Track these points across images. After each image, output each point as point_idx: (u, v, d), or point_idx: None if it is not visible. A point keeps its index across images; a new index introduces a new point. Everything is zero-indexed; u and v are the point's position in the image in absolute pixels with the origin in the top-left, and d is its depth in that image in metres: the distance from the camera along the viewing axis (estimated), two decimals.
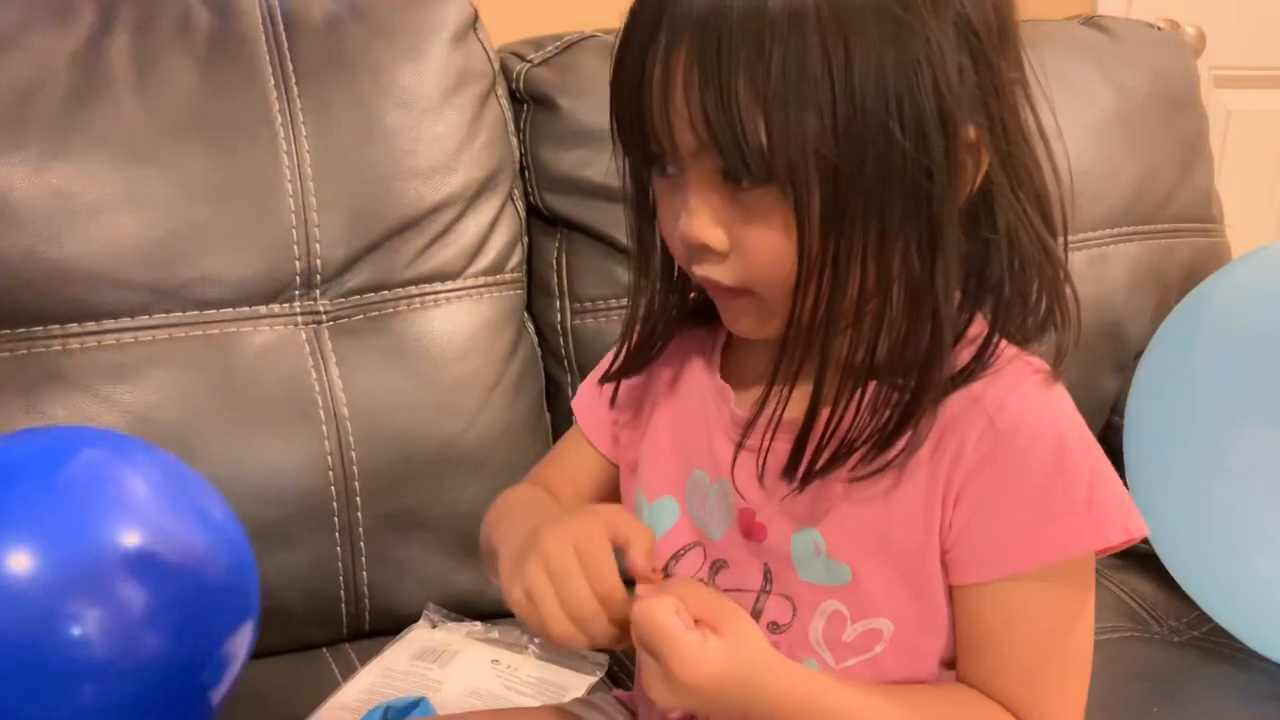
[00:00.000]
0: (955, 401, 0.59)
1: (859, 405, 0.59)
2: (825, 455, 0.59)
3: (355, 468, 0.97)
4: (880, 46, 0.53)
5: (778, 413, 0.60)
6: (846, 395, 0.59)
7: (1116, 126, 1.27)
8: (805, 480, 0.60)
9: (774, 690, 0.57)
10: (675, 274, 0.66)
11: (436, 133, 1.03)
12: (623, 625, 0.56)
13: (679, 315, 0.68)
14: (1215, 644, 0.99)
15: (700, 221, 0.57)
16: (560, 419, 1.11)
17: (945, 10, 0.55)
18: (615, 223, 1.09)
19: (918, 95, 0.54)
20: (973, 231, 0.58)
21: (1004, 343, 0.60)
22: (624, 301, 1.07)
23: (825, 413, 0.59)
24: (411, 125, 1.02)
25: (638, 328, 0.68)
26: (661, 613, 0.54)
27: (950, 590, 0.61)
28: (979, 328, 0.60)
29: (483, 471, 1.02)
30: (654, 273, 0.66)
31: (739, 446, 0.64)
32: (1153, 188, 1.28)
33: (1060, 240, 0.60)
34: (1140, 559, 1.05)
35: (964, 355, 0.59)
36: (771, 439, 0.61)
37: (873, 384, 0.59)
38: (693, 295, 0.68)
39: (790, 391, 0.59)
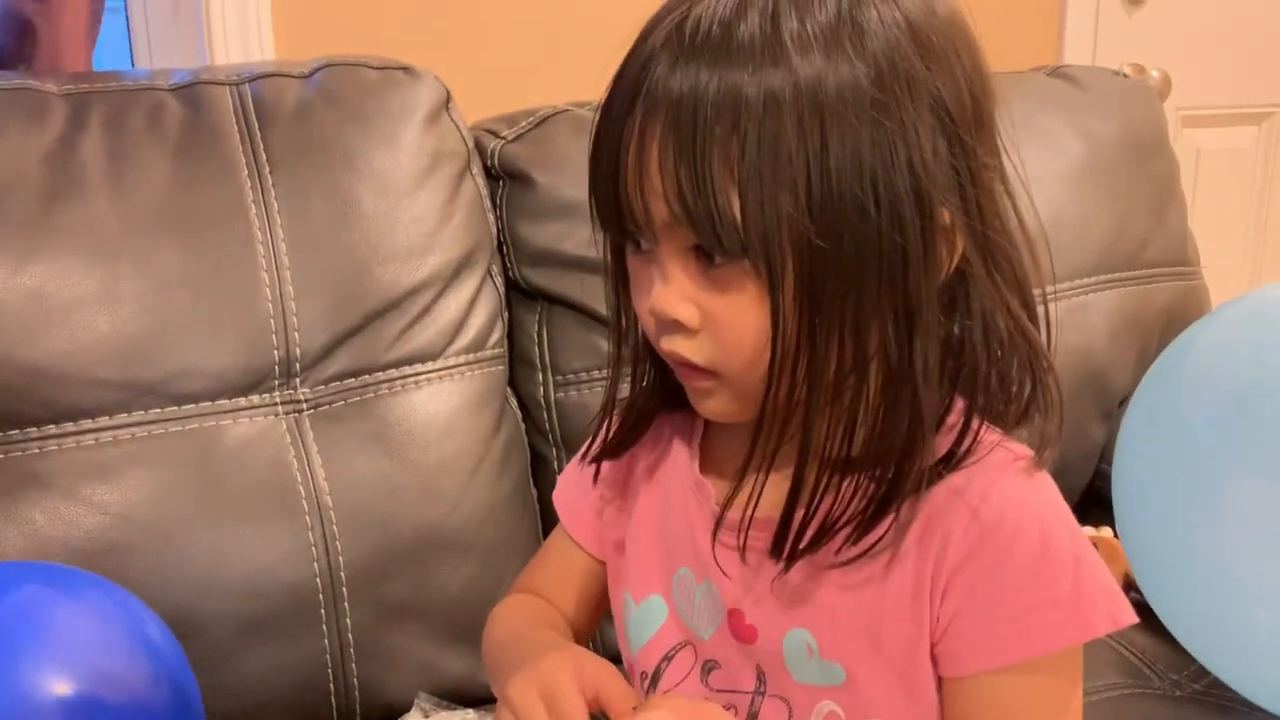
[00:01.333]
0: (939, 493, 0.58)
1: (838, 492, 0.58)
2: (807, 537, 0.59)
3: (340, 558, 0.96)
4: (856, 126, 0.54)
5: (752, 504, 0.59)
6: (824, 482, 0.58)
7: (1088, 175, 1.28)
8: (790, 561, 0.59)
9: None
10: (655, 351, 0.65)
11: (413, 214, 1.03)
12: None
13: (660, 396, 0.67)
14: (1216, 697, 0.99)
15: (671, 296, 0.57)
16: (546, 494, 1.11)
17: (920, 93, 0.55)
18: (594, 294, 1.09)
19: (892, 174, 0.54)
20: (950, 315, 0.58)
21: (985, 430, 0.59)
22: (606, 373, 1.09)
23: (805, 498, 0.58)
24: (388, 208, 1.02)
25: (618, 408, 0.68)
26: None
27: (939, 683, 0.60)
28: (957, 415, 0.60)
29: (470, 553, 1.01)
30: (634, 350, 0.66)
31: (716, 541, 0.63)
32: (1127, 234, 1.30)
33: (1043, 325, 0.60)
34: (1140, 613, 1.04)
35: (943, 443, 0.59)
36: (746, 533, 0.60)
37: (850, 473, 0.58)
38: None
39: (765, 479, 0.58)
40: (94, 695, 0.69)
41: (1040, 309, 0.61)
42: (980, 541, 0.57)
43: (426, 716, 0.97)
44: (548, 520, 1.11)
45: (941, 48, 0.56)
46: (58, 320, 0.91)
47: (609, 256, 0.64)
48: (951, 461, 0.58)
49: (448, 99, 1.10)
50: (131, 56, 1.41)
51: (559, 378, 1.10)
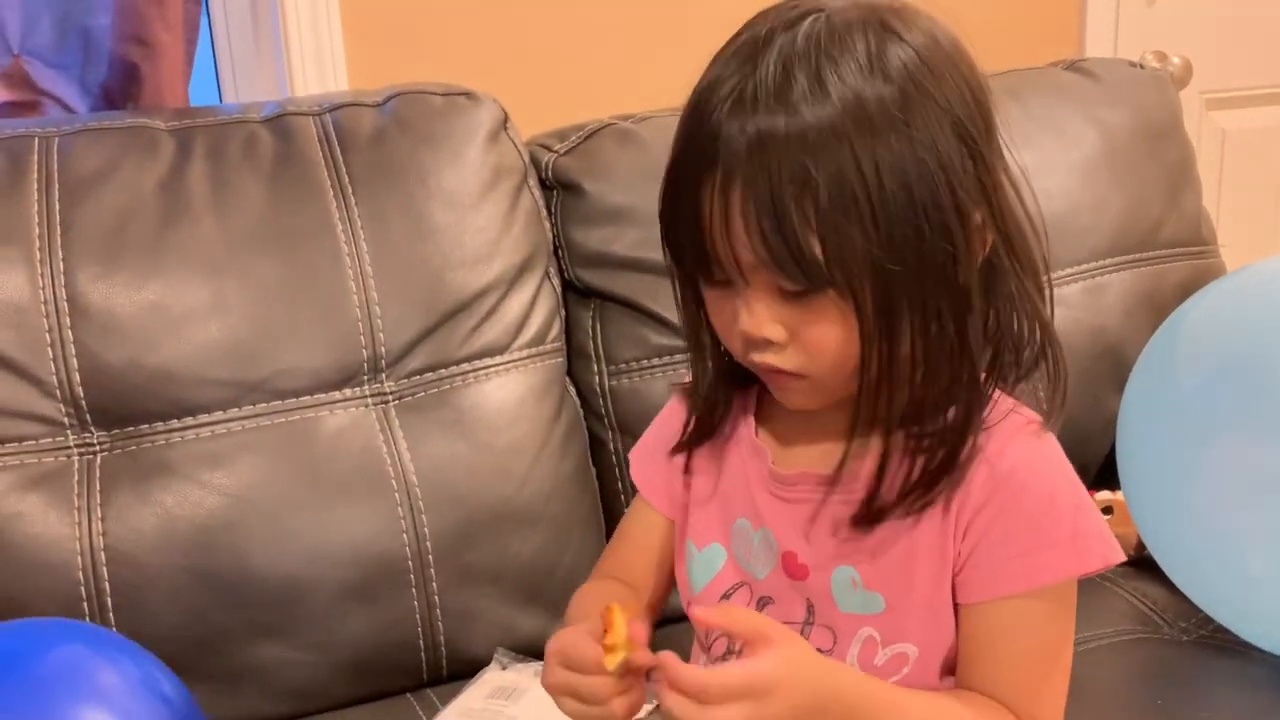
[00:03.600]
0: (965, 449, 0.69)
1: (912, 460, 0.69)
2: (892, 503, 0.69)
3: (426, 529, 1.08)
4: (905, 163, 0.63)
5: (856, 474, 0.69)
6: (903, 453, 0.69)
7: (1103, 163, 1.35)
8: (876, 524, 0.70)
9: (838, 677, 0.65)
10: (724, 358, 0.76)
11: (478, 225, 1.14)
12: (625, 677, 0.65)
13: (728, 388, 0.78)
14: (1220, 641, 1.07)
15: (760, 320, 0.66)
16: (604, 472, 1.21)
17: (943, 117, 0.65)
18: (642, 291, 1.19)
19: (938, 195, 0.64)
20: (982, 295, 0.68)
21: (1000, 398, 0.70)
22: (654, 361, 1.20)
23: (884, 468, 0.69)
24: (456, 221, 1.13)
25: (701, 404, 0.78)
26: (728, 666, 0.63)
27: (956, 611, 0.71)
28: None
29: (539, 525, 1.12)
30: (709, 361, 0.76)
31: (772, 494, 0.74)
32: (1142, 217, 1.37)
33: (1049, 298, 0.71)
34: (1152, 567, 1.13)
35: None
36: (850, 498, 0.70)
37: (925, 441, 0.69)
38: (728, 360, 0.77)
39: (866, 455, 0.69)
40: None
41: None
42: (995, 490, 0.68)
43: (504, 669, 1.09)
44: (606, 495, 1.21)
45: (949, 73, 0.66)
46: (175, 329, 1.04)
47: (681, 290, 0.74)
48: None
49: (505, 119, 1.21)
50: (219, 87, 1.55)
51: (612, 367, 1.21)
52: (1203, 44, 1.87)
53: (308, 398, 1.07)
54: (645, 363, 1.19)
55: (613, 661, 0.64)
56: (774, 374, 0.70)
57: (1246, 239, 1.66)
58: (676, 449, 0.80)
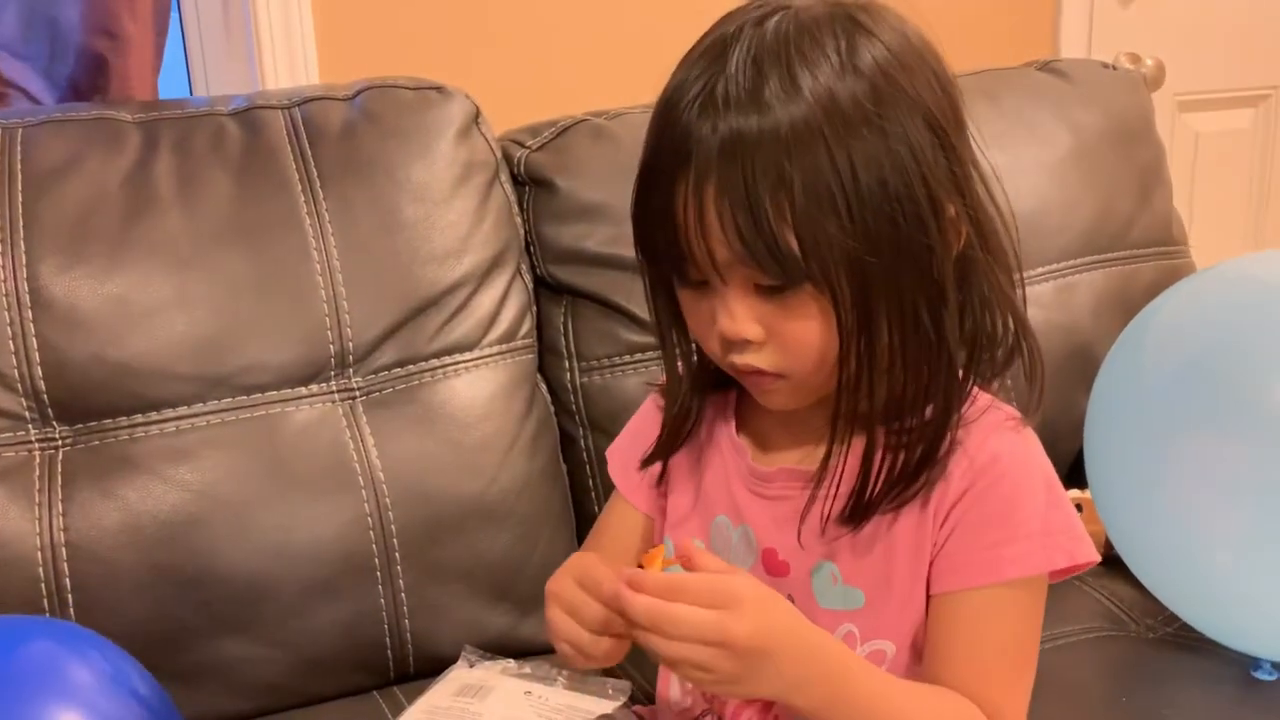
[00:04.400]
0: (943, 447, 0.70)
1: (893, 453, 0.69)
2: (875, 497, 0.69)
3: (393, 526, 1.07)
4: (878, 156, 0.64)
5: (839, 470, 0.69)
6: (885, 447, 0.69)
7: (1074, 163, 1.36)
8: (865, 519, 0.70)
9: (820, 637, 0.65)
10: (697, 362, 0.77)
11: (449, 220, 1.14)
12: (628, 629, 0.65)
13: (702, 392, 0.78)
14: (1184, 638, 1.07)
15: (738, 320, 0.67)
16: (575, 469, 1.21)
17: (915, 111, 0.65)
18: (615, 287, 1.18)
19: (912, 187, 0.64)
20: (959, 289, 0.69)
21: (980, 395, 0.71)
22: (626, 358, 1.20)
23: (876, 460, 0.69)
24: (426, 215, 1.13)
25: (674, 410, 0.78)
26: (704, 558, 0.63)
27: (927, 604, 0.71)
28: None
29: (508, 522, 1.12)
30: (681, 366, 0.77)
31: (751, 491, 0.74)
32: (1113, 217, 1.37)
33: (1021, 292, 0.71)
34: (1121, 566, 1.14)
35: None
36: (835, 493, 0.70)
37: (906, 434, 0.69)
38: (707, 364, 0.78)
39: (847, 452, 0.69)
40: None
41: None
42: (973, 481, 0.69)
43: (472, 666, 1.08)
44: (576, 493, 1.21)
45: (919, 66, 0.67)
46: (140, 323, 1.03)
47: (654, 293, 0.74)
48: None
49: (477, 114, 1.21)
50: (189, 80, 1.54)
51: (583, 364, 1.20)
52: (1176, 46, 1.89)
53: (274, 393, 1.07)
54: (617, 360, 1.19)
55: None
56: (753, 375, 0.70)
57: (1217, 241, 1.68)
58: (649, 459, 0.80)
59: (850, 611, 0.72)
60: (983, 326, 0.70)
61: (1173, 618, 1.09)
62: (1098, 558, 0.71)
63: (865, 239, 0.63)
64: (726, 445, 0.78)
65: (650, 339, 1.18)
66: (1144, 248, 1.40)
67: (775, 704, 0.73)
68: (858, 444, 0.70)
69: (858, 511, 0.70)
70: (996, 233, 0.70)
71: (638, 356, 1.19)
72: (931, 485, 0.69)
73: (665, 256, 0.69)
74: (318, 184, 1.11)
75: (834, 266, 0.64)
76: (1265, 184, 2.07)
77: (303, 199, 1.10)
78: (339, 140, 1.14)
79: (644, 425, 0.82)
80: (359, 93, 1.18)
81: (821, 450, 0.70)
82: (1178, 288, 1.13)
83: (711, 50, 0.67)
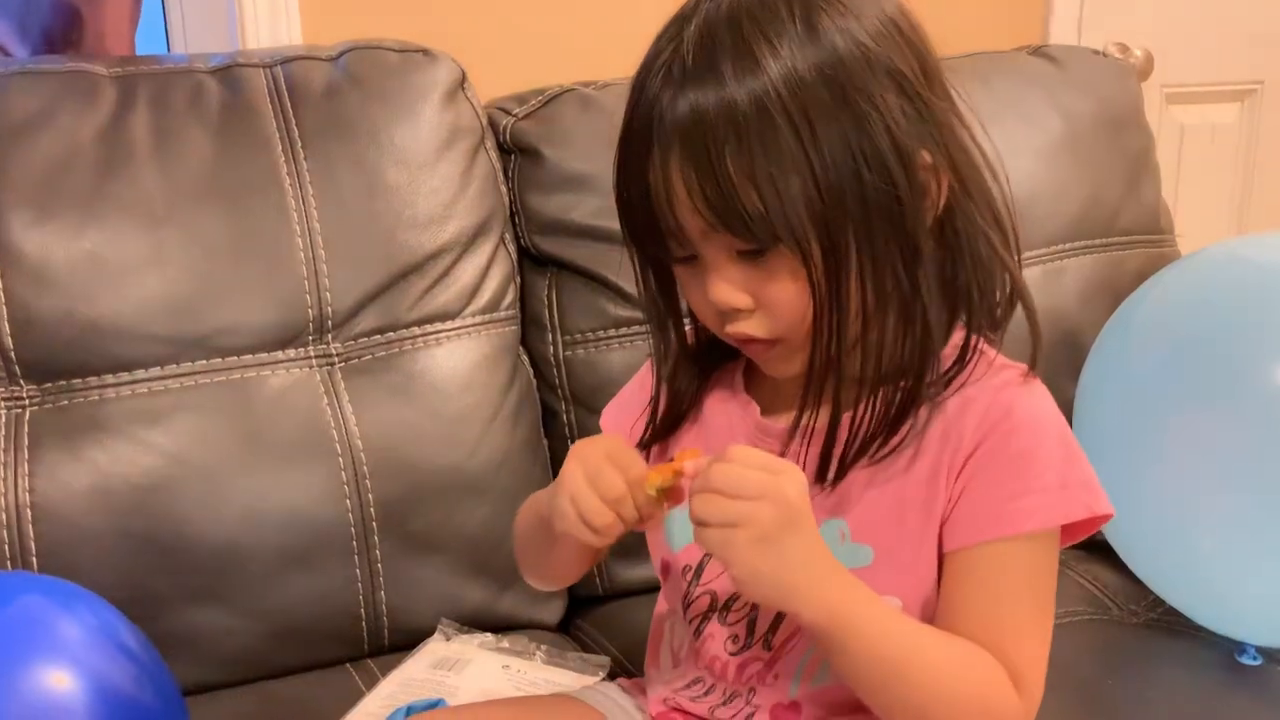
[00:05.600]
0: (955, 402, 0.69)
1: (871, 408, 0.69)
2: (851, 453, 0.69)
3: (370, 495, 1.05)
4: (835, 110, 0.64)
5: (811, 426, 0.70)
6: (862, 402, 0.69)
7: (1065, 149, 1.35)
8: (837, 479, 0.70)
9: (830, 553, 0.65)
10: (687, 338, 0.77)
11: (432, 186, 1.11)
12: (649, 507, 0.67)
13: (695, 373, 0.78)
14: (1169, 623, 1.07)
15: (724, 289, 0.68)
16: (556, 444, 1.19)
17: (877, 68, 0.66)
18: (600, 260, 1.17)
19: (875, 140, 0.64)
20: (941, 241, 0.68)
21: (988, 351, 0.70)
22: (611, 332, 1.18)
23: (846, 420, 0.69)
24: (409, 180, 1.10)
25: (667, 388, 0.77)
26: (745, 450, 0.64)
27: (940, 561, 0.70)
28: (959, 337, 0.70)
29: (487, 495, 1.10)
30: (672, 342, 0.76)
31: (759, 447, 0.72)
32: (1101, 204, 1.37)
33: (1013, 242, 0.70)
34: (1104, 551, 1.13)
35: (948, 359, 0.70)
36: (807, 449, 0.70)
37: (881, 389, 0.69)
38: (702, 341, 0.77)
39: (818, 409, 0.69)
40: (92, 689, 0.73)
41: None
42: (986, 435, 0.68)
43: (448, 639, 1.06)
44: (557, 468, 1.18)
45: (883, 24, 0.67)
46: (113, 281, 1.01)
47: (642, 273, 0.75)
48: (959, 372, 0.69)
49: (463, 79, 1.18)
50: (167, 40, 1.50)
51: (567, 338, 1.19)
52: (1165, 38, 1.88)
53: (249, 357, 1.04)
54: (602, 334, 1.18)
55: (661, 478, 0.66)
56: (750, 343, 0.71)
57: (1201, 234, 1.67)
58: (646, 442, 0.79)
59: (858, 569, 0.70)
60: (974, 278, 0.69)
61: (1157, 602, 1.09)
62: (1113, 511, 0.70)
63: (829, 194, 0.64)
64: (733, 406, 0.77)
65: (636, 314, 1.17)
66: (1132, 235, 1.39)
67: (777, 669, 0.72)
68: (833, 399, 0.69)
69: (829, 467, 0.70)
70: (979, 179, 0.69)
71: (623, 331, 1.18)
72: (916, 438, 0.69)
73: (647, 234, 0.70)
74: (299, 144, 1.08)
75: (802, 224, 0.64)
76: (1249, 179, 2.07)
77: (283, 159, 1.07)
78: (321, 101, 1.11)
79: (642, 391, 0.80)
80: (343, 53, 1.16)
81: (827, 409, 0.69)
82: (1164, 273, 1.13)
83: (675, 22, 0.68)
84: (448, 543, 1.08)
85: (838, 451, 0.70)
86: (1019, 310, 0.72)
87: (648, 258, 0.74)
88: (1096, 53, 1.52)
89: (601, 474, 0.67)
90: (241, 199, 1.06)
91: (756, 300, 0.68)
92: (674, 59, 0.66)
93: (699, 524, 0.64)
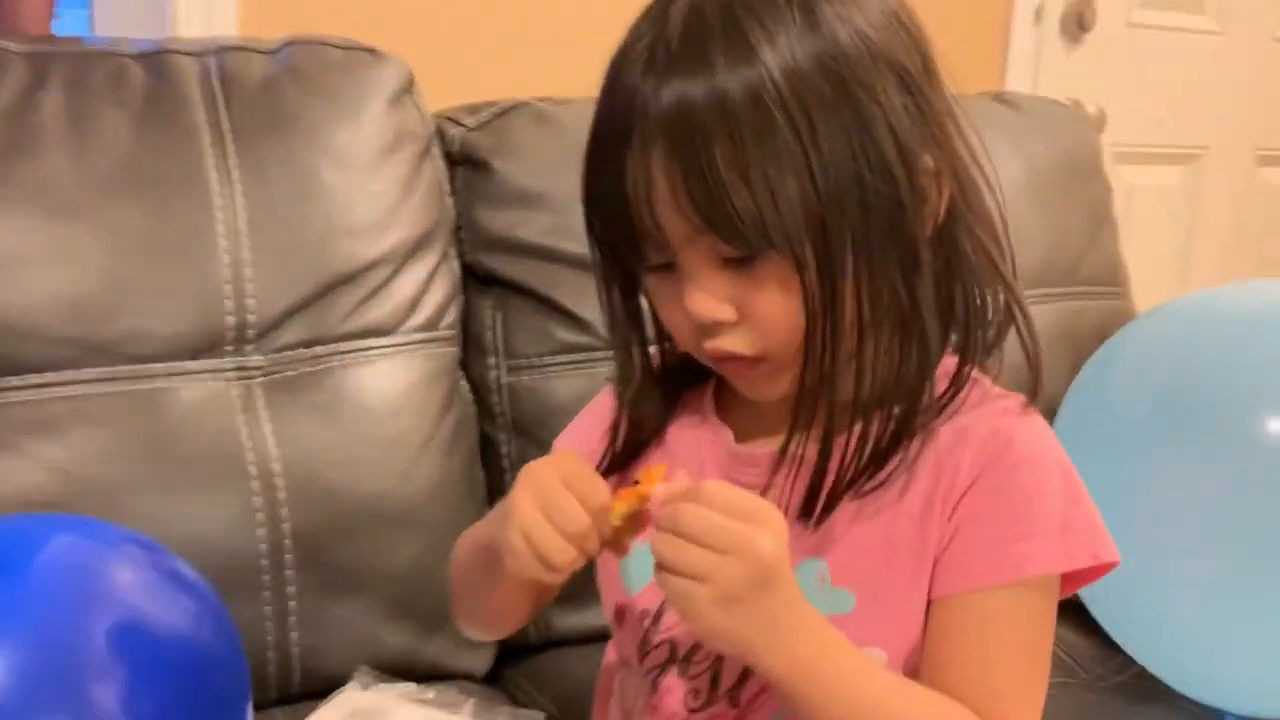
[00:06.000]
0: (948, 432, 0.63)
1: (863, 434, 0.62)
2: (841, 485, 0.63)
3: (286, 525, 0.96)
4: (836, 105, 0.58)
5: (800, 453, 0.63)
6: (853, 428, 0.62)
7: (1027, 194, 1.33)
8: (823, 515, 0.63)
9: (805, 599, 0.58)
10: (655, 362, 0.70)
11: (373, 190, 1.04)
12: (614, 537, 0.59)
13: (663, 398, 0.71)
14: (1141, 687, 1.03)
15: (705, 300, 0.61)
16: (494, 477, 1.11)
17: (881, 61, 0.60)
18: (548, 281, 1.11)
19: (878, 139, 0.59)
20: (938, 254, 0.62)
21: (982, 378, 0.64)
22: (558, 358, 1.11)
23: (838, 448, 0.62)
24: (348, 183, 1.03)
25: (630, 414, 0.70)
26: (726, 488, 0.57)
27: (927, 610, 0.64)
28: (950, 362, 0.64)
29: (416, 529, 1.02)
30: (638, 366, 0.69)
31: (731, 479, 0.65)
32: (1063, 252, 1.35)
33: (1010, 259, 0.65)
34: (1069, 611, 1.07)
35: (941, 386, 0.63)
36: (793, 481, 0.63)
37: (874, 414, 0.62)
38: (668, 363, 0.71)
39: (808, 434, 0.62)
40: (143, 634, 0.70)
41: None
42: (984, 469, 0.62)
43: (365, 689, 0.96)
44: (495, 501, 1.11)
45: (885, 15, 0.61)
46: (11, 273, 0.91)
47: (607, 286, 0.68)
48: (953, 398, 0.63)
49: (411, 82, 1.11)
50: (91, 28, 1.41)
51: (511, 363, 1.11)
52: (1116, 97, 1.89)
53: (159, 365, 0.95)
54: (549, 359, 1.11)
55: (626, 505, 0.58)
56: (730, 362, 0.64)
57: (1148, 295, 1.66)
58: (603, 473, 0.71)
59: (838, 616, 0.63)
60: (971, 297, 0.64)
61: (1126, 664, 1.04)
62: (1119, 558, 0.64)
63: (828, 195, 0.58)
64: (703, 432, 0.70)
65: (586, 339, 1.10)
66: (1092, 286, 1.38)
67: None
68: (823, 424, 0.63)
69: (816, 502, 0.63)
70: (979, 193, 0.64)
71: (572, 357, 1.11)
72: (905, 470, 0.63)
73: (620, 238, 0.63)
74: (229, 138, 1.00)
75: (796, 227, 0.58)
76: (1189, 243, 2.09)
77: (210, 152, 0.99)
78: (257, 94, 1.03)
79: (601, 418, 0.73)
80: (284, 46, 1.08)
81: (816, 433, 0.63)
82: (1134, 327, 1.09)
83: (655, 8, 0.63)
84: (370, 580, 0.99)
85: (828, 483, 0.63)
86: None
87: (616, 267, 0.67)
88: (1056, 102, 1.51)
89: (559, 504, 0.59)
90: (160, 192, 0.97)
91: (741, 313, 0.61)
92: (657, 45, 0.60)
93: (660, 566, 0.57)
